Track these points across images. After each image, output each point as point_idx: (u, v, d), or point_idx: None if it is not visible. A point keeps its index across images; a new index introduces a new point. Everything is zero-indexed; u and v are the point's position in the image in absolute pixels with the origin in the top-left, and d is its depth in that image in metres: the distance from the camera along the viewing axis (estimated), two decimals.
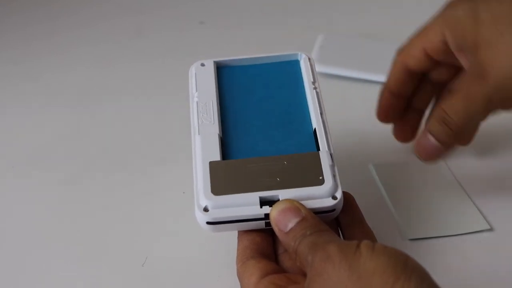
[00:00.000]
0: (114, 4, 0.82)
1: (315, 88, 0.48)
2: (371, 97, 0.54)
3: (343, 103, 0.63)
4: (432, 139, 0.47)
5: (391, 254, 0.35)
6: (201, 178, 0.43)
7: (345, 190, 0.44)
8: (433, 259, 0.48)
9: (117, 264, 0.49)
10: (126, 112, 0.65)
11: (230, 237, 0.45)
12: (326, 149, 0.44)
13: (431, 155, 0.48)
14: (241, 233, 0.43)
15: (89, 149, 0.61)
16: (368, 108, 0.55)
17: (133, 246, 0.51)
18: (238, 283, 0.42)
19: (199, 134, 0.45)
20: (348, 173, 0.47)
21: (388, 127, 0.56)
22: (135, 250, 0.50)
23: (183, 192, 0.54)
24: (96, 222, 0.53)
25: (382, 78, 0.66)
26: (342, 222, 0.44)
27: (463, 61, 0.48)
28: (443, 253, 0.49)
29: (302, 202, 0.41)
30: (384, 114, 0.54)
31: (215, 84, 0.49)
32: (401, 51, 0.52)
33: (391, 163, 0.56)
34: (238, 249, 0.43)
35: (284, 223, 0.40)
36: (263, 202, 0.42)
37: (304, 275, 0.39)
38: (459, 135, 0.47)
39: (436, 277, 0.35)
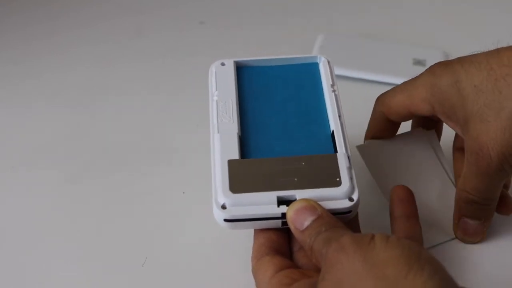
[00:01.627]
0: (114, 4, 0.82)
1: (333, 91, 0.49)
2: (371, 97, 0.54)
3: (343, 103, 0.63)
4: (471, 221, 0.49)
5: (404, 245, 0.36)
6: (219, 176, 0.43)
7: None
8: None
9: (117, 264, 0.49)
10: (126, 112, 0.65)
11: (230, 237, 0.45)
12: (344, 151, 0.45)
13: (478, 234, 0.49)
14: (257, 231, 0.44)
15: (89, 149, 0.61)
16: (368, 108, 0.55)
17: (133, 246, 0.51)
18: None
19: (218, 132, 0.46)
20: None
21: None
22: (135, 250, 0.50)
23: (183, 192, 0.54)
24: (96, 222, 0.53)
25: (382, 78, 0.67)
26: (394, 214, 0.45)
27: (451, 125, 0.49)
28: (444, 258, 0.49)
29: (319, 202, 0.41)
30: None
31: (235, 84, 0.49)
32: (383, 103, 0.52)
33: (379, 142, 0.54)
34: (253, 246, 0.43)
35: (300, 221, 0.40)
36: (280, 201, 0.42)
37: (319, 271, 0.39)
38: (491, 204, 0.48)
39: None
